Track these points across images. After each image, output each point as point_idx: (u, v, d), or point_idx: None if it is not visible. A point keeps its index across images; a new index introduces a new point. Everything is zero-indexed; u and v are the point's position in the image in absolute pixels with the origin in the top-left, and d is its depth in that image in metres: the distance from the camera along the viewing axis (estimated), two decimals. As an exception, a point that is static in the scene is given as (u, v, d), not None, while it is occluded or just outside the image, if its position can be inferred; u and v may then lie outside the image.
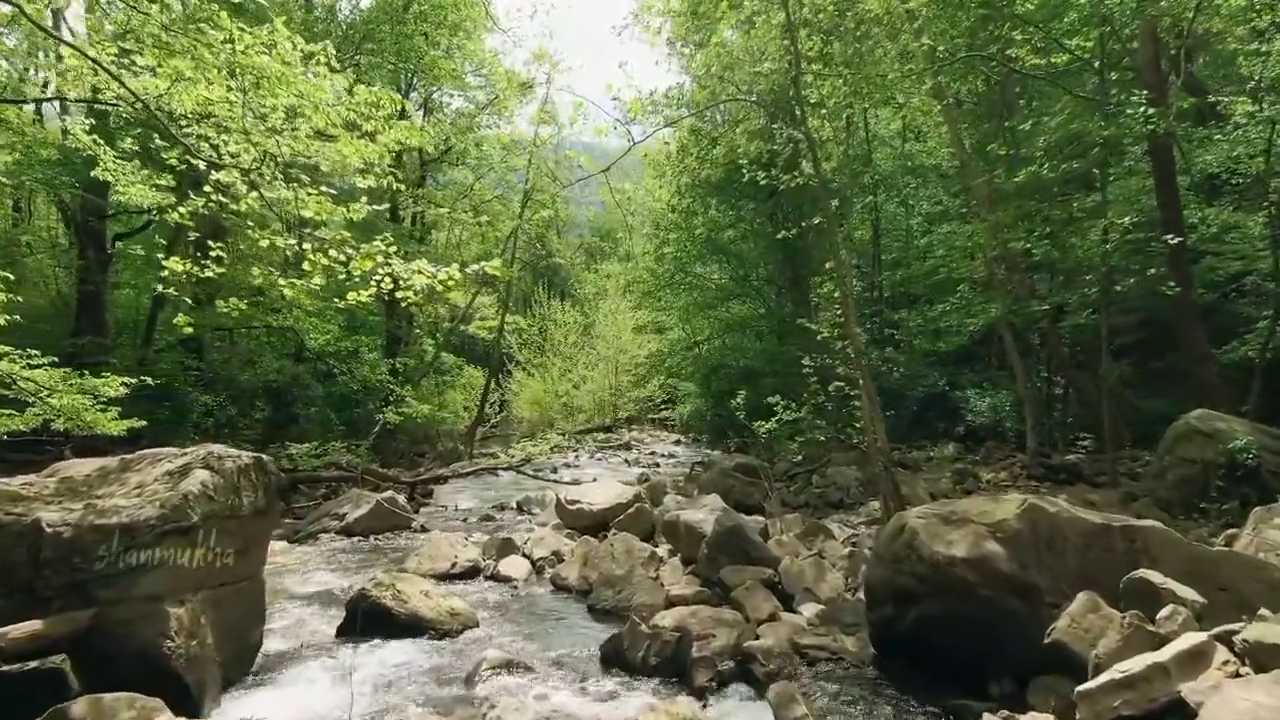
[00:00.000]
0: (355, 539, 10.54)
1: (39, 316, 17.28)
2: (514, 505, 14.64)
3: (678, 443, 28.25)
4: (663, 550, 8.79)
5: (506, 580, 8.15)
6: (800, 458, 9.39)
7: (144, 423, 9.51)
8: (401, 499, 11.54)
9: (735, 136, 15.05)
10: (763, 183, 8.42)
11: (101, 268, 15.31)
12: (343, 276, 5.54)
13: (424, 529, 11.34)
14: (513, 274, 30.47)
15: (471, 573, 8.36)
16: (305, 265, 5.51)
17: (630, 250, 40.27)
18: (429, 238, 29.58)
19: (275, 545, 9.93)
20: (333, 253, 5.38)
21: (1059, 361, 13.51)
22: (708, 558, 7.47)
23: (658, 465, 21.87)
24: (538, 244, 34.24)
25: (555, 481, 17.25)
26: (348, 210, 6.04)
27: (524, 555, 8.86)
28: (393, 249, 5.39)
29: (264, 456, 5.77)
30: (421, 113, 28.19)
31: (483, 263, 5.47)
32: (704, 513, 8.41)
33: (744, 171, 17.29)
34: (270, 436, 18.65)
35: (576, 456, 24.54)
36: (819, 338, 7.89)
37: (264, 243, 5.67)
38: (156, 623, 4.62)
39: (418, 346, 29.20)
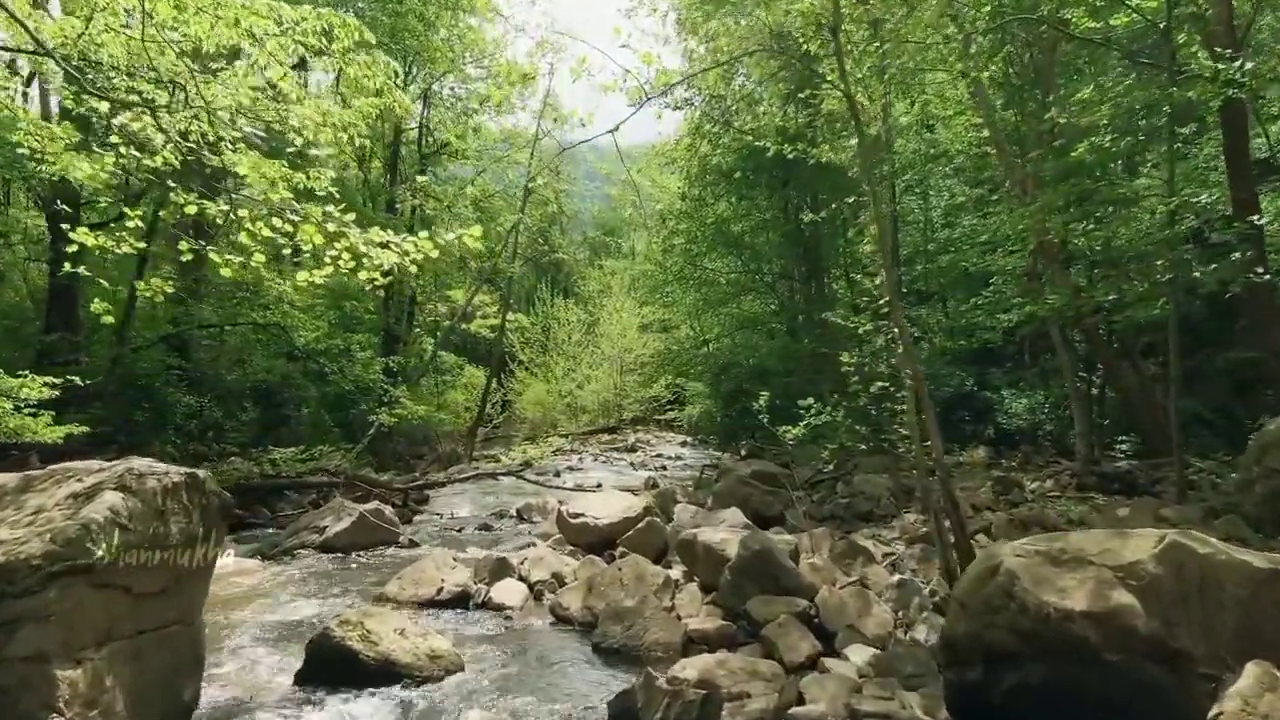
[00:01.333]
0: (335, 556, 9.52)
1: (7, 313, 16.32)
2: (513, 513, 13.68)
3: (684, 444, 27.28)
4: (677, 572, 7.76)
5: (500, 609, 7.12)
6: (831, 466, 8.35)
7: (85, 428, 8.47)
8: (388, 510, 10.54)
9: (755, 109, 14.08)
10: (790, 156, 7.40)
11: (73, 259, 14.26)
12: (288, 251, 4.53)
13: (412, 543, 10.32)
14: (514, 270, 29.53)
15: (460, 599, 7.33)
16: (243, 237, 4.50)
17: (634, 247, 39.34)
18: (432, 233, 28.58)
19: (246, 563, 8.97)
20: (276, 222, 4.37)
21: (1103, 359, 12.45)
22: (731, 585, 6.44)
23: (664, 468, 20.92)
24: (540, 239, 33.23)
25: (557, 487, 16.27)
26: (307, 178, 5.01)
27: (520, 578, 7.83)
28: (350, 217, 4.35)
29: (200, 473, 4.74)
30: (422, 104, 27.30)
31: (460, 231, 4.44)
32: (724, 531, 7.38)
33: (757, 156, 16.22)
34: (259, 439, 17.70)
35: (580, 459, 23.59)
36: (860, 330, 6.86)
37: (191, 209, 4.64)
38: (41, 690, 3.60)
39: (417, 345, 28.27)
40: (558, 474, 19.52)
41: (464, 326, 33.66)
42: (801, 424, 8.05)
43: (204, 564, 4.83)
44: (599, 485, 17.03)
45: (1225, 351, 12.41)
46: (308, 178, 4.98)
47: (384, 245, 4.31)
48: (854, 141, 6.69)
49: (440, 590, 7.28)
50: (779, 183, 17.19)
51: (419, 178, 25.86)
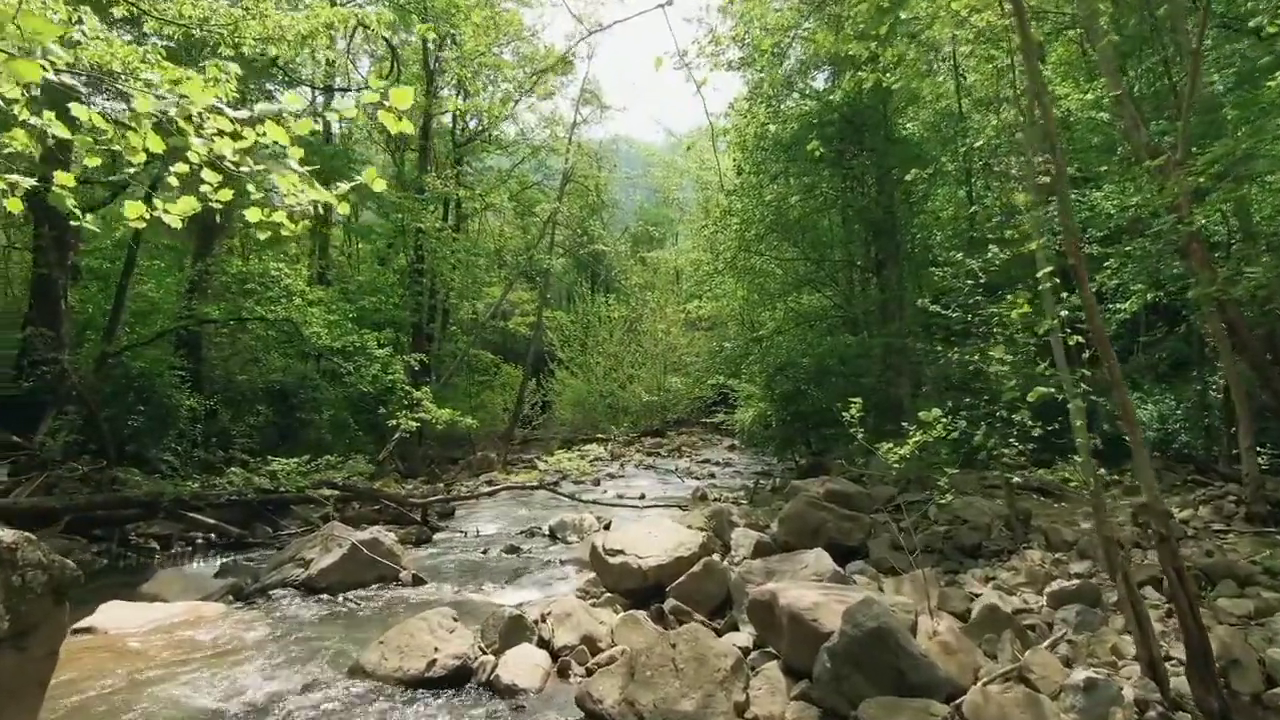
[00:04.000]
0: (319, 598, 7.78)
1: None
2: (545, 531, 12.05)
3: (732, 448, 25.46)
4: (745, 636, 5.85)
5: (510, 693, 5.25)
6: (948, 496, 6.41)
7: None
8: (388, 539, 8.73)
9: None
10: (891, 81, 5.46)
11: (57, 246, 12.82)
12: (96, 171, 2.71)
13: (417, 579, 8.53)
14: (551, 261, 27.90)
15: (458, 677, 5.47)
16: (17, 142, 2.70)
17: (678, 236, 37.39)
18: (464, 226, 27.17)
19: (206, 609, 7.26)
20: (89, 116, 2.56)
21: (1249, 355, 10.27)
22: (833, 676, 4.51)
23: (713, 476, 19.17)
24: (579, 230, 31.58)
25: (595, 501, 14.51)
26: (209, 81, 3.17)
27: (540, 641, 5.96)
28: (198, 96, 2.51)
29: (8, 535, 2.97)
30: (458, 93, 25.79)
31: (370, 90, 2.58)
32: (813, 589, 5.43)
33: (822, 127, 14.24)
34: (276, 444, 16.22)
35: (622, 465, 21.86)
36: (1016, 315, 4.91)
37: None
38: None
39: (451, 344, 26.79)
40: (597, 482, 17.94)
41: (502, 324, 32.13)
42: (911, 441, 6.09)
43: (23, 676, 3.06)
44: (642, 496, 15.42)
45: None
46: (207, 80, 3.15)
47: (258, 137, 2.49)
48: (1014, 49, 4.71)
49: (433, 663, 5.45)
50: (855, 150, 15.07)
51: (474, 196, 24.58)
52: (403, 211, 19.11)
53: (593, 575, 7.78)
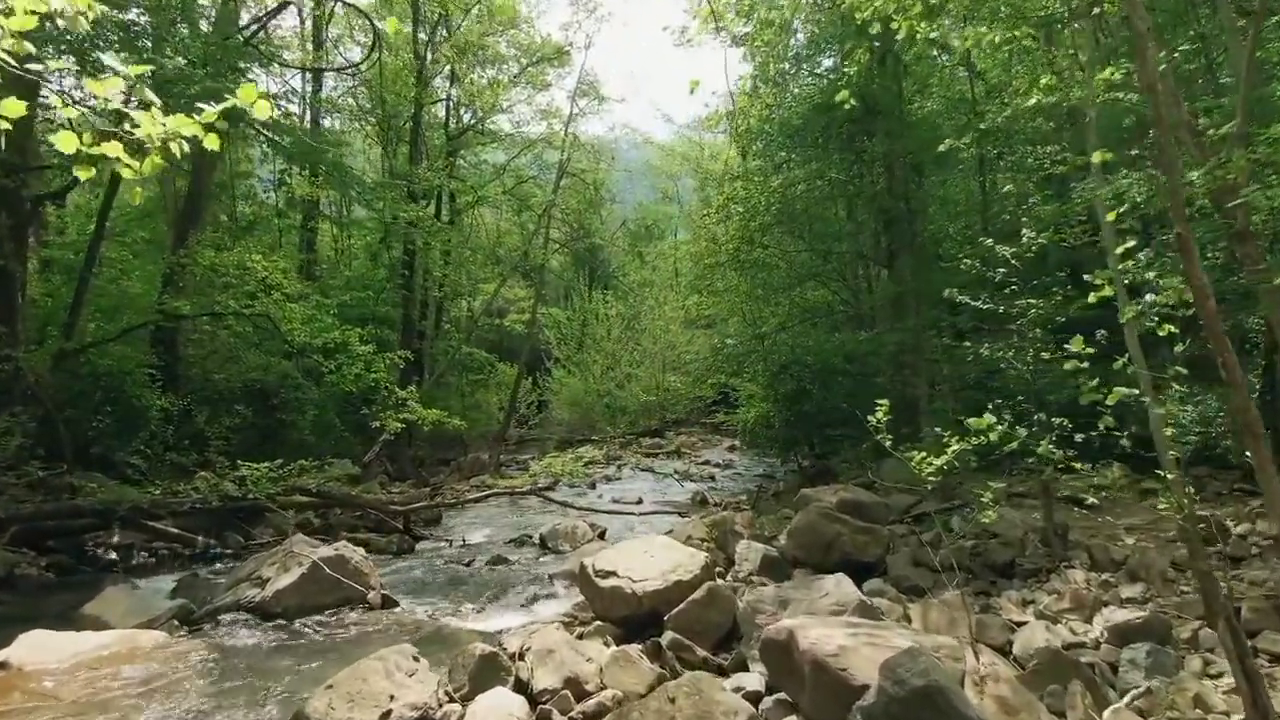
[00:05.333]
0: (275, 624, 6.93)
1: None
2: (536, 539, 11.28)
3: (732, 449, 24.60)
4: (754, 678, 4.99)
5: (476, 752, 4.42)
6: (991, 514, 5.57)
7: None
8: (356, 557, 7.84)
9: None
10: (926, 32, 4.59)
11: (14, 235, 11.96)
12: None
13: (387, 601, 7.68)
14: (545, 256, 27.12)
15: (417, 731, 4.65)
16: None
17: (678, 230, 36.51)
18: (458, 220, 26.29)
19: (143, 637, 6.41)
20: None
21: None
22: (867, 743, 3.67)
23: (713, 478, 18.44)
24: (576, 224, 30.77)
25: (588, 509, 13.69)
26: None
27: (517, 683, 5.09)
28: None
29: None
30: (449, 83, 24.92)
31: None
32: (838, 628, 4.56)
33: (830, 110, 13.41)
34: (256, 446, 15.38)
35: (619, 467, 21.03)
36: (1093, 298, 4.04)
37: None
38: None
39: (445, 342, 25.97)
40: (593, 485, 17.17)
41: (497, 321, 31.28)
42: (951, 447, 5.23)
43: None
44: (639, 500, 14.70)
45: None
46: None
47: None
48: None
49: (387, 715, 4.59)
50: (866, 135, 14.19)
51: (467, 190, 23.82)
52: (383, 200, 18.23)
53: (580, 601, 6.94)
